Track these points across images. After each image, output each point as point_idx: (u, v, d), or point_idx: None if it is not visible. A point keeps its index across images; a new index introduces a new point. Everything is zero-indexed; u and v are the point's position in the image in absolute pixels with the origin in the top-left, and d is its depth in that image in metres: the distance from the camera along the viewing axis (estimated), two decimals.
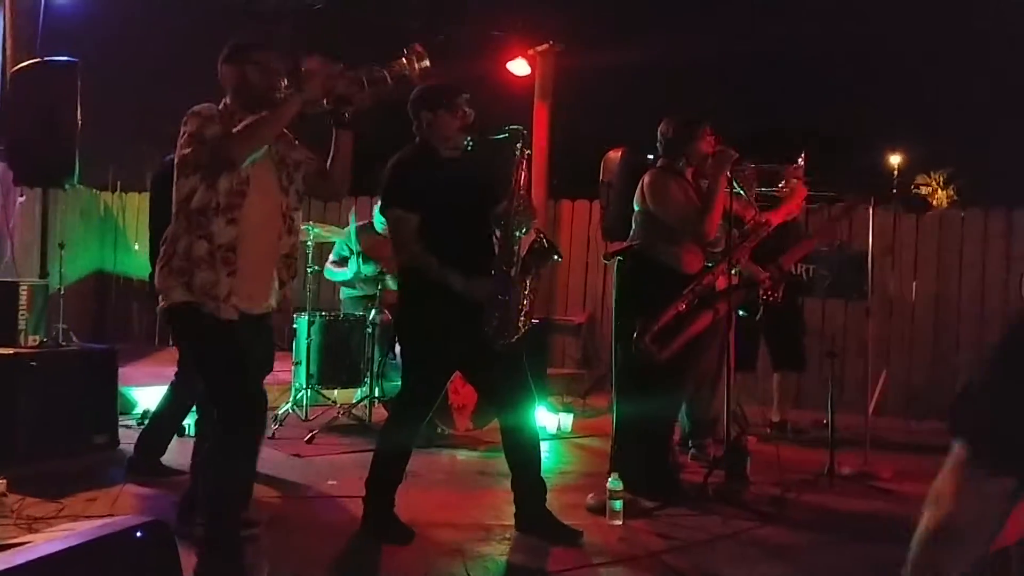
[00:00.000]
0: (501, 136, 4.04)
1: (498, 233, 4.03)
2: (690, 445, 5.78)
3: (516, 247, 4.00)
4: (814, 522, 4.64)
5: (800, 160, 5.51)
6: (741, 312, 5.04)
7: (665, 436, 5.16)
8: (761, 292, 6.24)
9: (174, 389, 5.07)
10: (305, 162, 3.72)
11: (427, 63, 3.55)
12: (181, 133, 3.48)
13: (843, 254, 6.96)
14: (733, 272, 5.03)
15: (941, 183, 32.72)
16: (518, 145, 4.03)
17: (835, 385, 5.64)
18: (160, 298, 3.52)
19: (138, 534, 2.35)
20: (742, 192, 5.22)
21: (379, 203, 4.20)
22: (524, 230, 4.02)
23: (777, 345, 7.00)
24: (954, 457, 2.00)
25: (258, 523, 4.07)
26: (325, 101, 3.53)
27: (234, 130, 3.38)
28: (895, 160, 33.39)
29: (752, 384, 7.16)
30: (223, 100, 3.61)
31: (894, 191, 6.16)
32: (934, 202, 30.46)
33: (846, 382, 7.93)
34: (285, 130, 3.60)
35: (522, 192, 4.03)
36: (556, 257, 4.30)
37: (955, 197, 30.13)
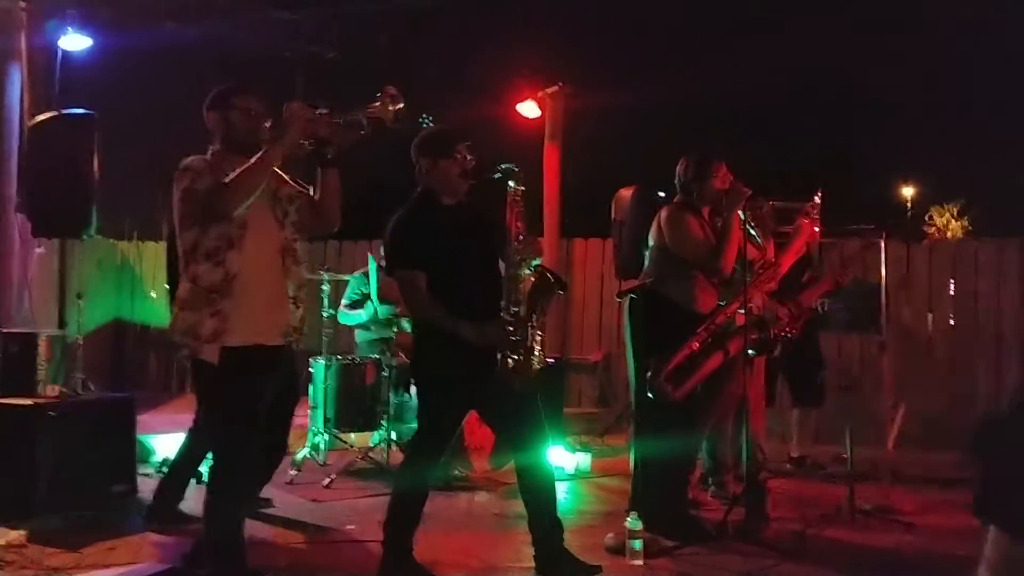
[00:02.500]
0: (495, 176, 4.09)
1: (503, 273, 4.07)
2: (710, 482, 5.74)
3: (520, 285, 4.03)
4: (834, 558, 4.59)
5: (816, 197, 5.52)
6: (751, 352, 5.01)
7: (685, 474, 5.14)
8: (779, 329, 6.24)
9: (192, 436, 5.09)
10: (298, 195, 3.83)
11: (401, 105, 3.64)
12: (175, 190, 3.62)
13: (858, 288, 6.94)
14: (742, 311, 5.01)
15: (955, 214, 32.66)
16: (510, 184, 4.07)
17: (853, 419, 5.61)
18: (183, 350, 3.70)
19: None
20: (753, 233, 5.21)
21: (384, 265, 4.26)
22: (527, 268, 4.05)
23: (795, 380, 6.97)
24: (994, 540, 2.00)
25: (271, 569, 4.07)
26: (307, 143, 3.64)
27: (225, 181, 3.49)
28: (908, 192, 33.42)
29: (771, 420, 7.13)
30: (210, 147, 3.75)
31: (895, 223, 6.12)
32: (948, 233, 30.41)
33: (864, 416, 7.86)
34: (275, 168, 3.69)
35: (519, 230, 4.07)
36: (561, 290, 4.31)
37: (969, 228, 30.06)
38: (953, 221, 32.72)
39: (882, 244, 5.71)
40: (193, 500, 5.07)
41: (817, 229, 5.57)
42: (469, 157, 4.17)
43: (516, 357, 3.96)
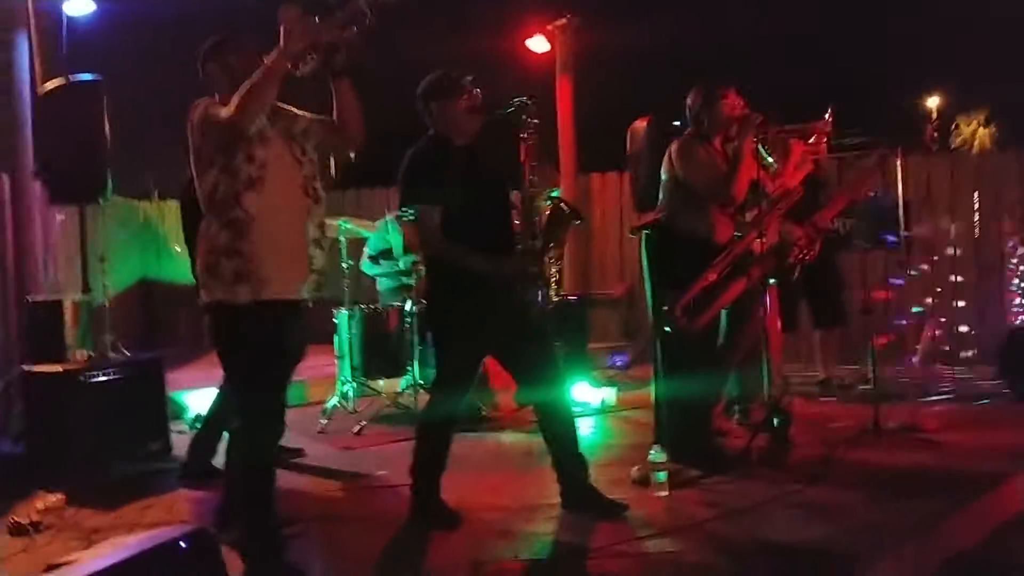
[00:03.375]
0: (507, 110, 4.06)
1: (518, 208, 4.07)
2: (735, 410, 5.77)
3: (536, 218, 4.03)
4: (860, 480, 4.61)
5: (827, 115, 5.45)
6: (772, 280, 5.00)
7: (710, 405, 5.16)
8: (796, 252, 6.21)
9: (224, 391, 5.15)
10: (312, 126, 3.71)
11: None
12: (188, 128, 3.53)
13: (876, 204, 6.86)
14: (761, 239, 4.98)
15: (982, 123, 32.05)
16: (523, 117, 4.04)
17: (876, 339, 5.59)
18: (201, 295, 3.58)
19: (181, 544, 2.41)
20: (768, 158, 5.17)
21: (398, 202, 4.21)
22: (542, 200, 4.05)
23: (817, 303, 6.95)
24: None
25: (302, 519, 4.14)
26: (314, 56, 3.47)
27: (234, 96, 3.37)
28: (933, 102, 32.81)
29: (795, 344, 7.13)
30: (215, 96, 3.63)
31: (911, 135, 5.99)
32: (975, 143, 29.85)
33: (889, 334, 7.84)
34: (283, 105, 3.60)
35: (533, 163, 4.05)
36: (578, 220, 4.30)
37: (995, 136, 29.52)
38: (981, 129, 32.13)
39: (897, 158, 5.58)
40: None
41: (821, 145, 5.52)
42: (476, 91, 4.14)
43: (533, 289, 3.98)
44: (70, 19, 7.12)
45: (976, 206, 8.49)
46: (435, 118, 4.18)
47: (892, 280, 6.67)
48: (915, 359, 7.96)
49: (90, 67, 5.99)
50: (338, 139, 3.76)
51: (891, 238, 6.32)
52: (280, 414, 3.66)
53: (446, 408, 4.22)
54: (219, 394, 5.18)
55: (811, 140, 5.37)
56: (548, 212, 4.14)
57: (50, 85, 6.00)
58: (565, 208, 4.20)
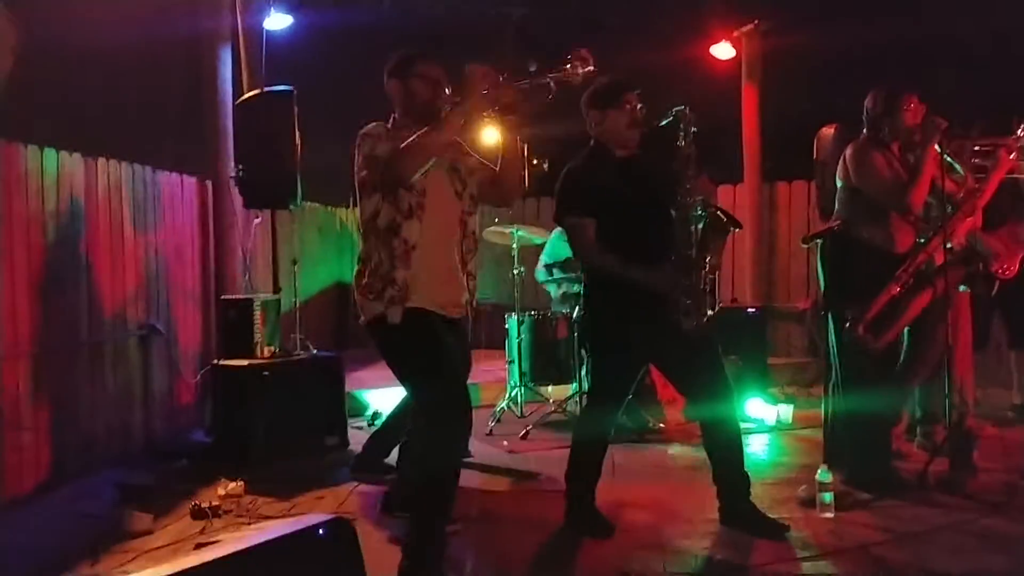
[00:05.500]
0: (666, 121, 4.01)
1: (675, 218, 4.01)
2: (917, 432, 5.47)
3: (693, 228, 3.96)
4: None
5: (1020, 131, 5.11)
6: (962, 288, 4.70)
7: (889, 427, 4.92)
8: (994, 266, 5.83)
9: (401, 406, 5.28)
10: (479, 168, 3.82)
11: (591, 68, 3.49)
12: (356, 156, 3.66)
13: None
14: (948, 247, 4.71)
15: None
16: (682, 126, 3.98)
17: None
18: (361, 315, 3.72)
19: (320, 532, 2.51)
20: (955, 165, 4.88)
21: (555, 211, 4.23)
22: (699, 210, 3.98)
23: (1014, 321, 6.49)
24: None
25: (461, 519, 4.22)
26: (491, 110, 3.56)
27: (401, 146, 3.48)
28: None
29: (994, 365, 6.68)
30: (391, 115, 3.78)
31: None
32: None
33: None
34: (457, 139, 3.67)
35: (690, 173, 3.98)
36: (735, 228, 4.20)
37: None
38: None
39: None
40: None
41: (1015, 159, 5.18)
42: (639, 106, 4.12)
43: (688, 300, 3.92)
44: (270, 33, 7.55)
45: None
46: (595, 126, 4.19)
47: None
48: None
49: (283, 80, 6.32)
50: (495, 191, 3.87)
51: None
52: (460, 409, 3.57)
53: (601, 418, 4.21)
54: (405, 397, 5.32)
55: (1006, 151, 5.04)
56: (706, 221, 4.05)
57: (245, 96, 6.37)
58: (722, 216, 4.10)
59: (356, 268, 3.74)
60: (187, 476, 5.34)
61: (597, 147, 4.19)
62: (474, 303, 3.89)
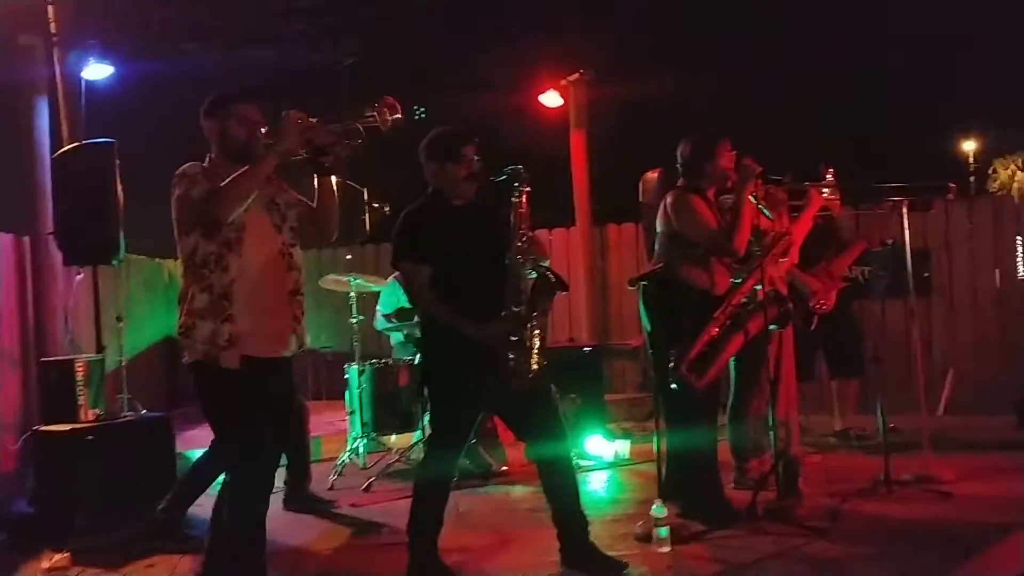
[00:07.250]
0: (501, 178, 4.09)
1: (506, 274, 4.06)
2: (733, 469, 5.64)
3: (522, 286, 4.03)
4: (868, 533, 4.53)
5: (829, 175, 5.45)
6: (772, 327, 4.93)
7: (712, 458, 5.08)
8: (812, 301, 6.16)
9: (213, 447, 5.13)
10: (296, 205, 3.85)
11: (399, 115, 3.65)
12: (172, 196, 3.63)
13: (893, 252, 6.78)
14: (759, 288, 4.93)
15: (1020, 166, 31.63)
16: (515, 185, 4.07)
17: (894, 388, 5.49)
18: (184, 355, 3.67)
19: None
20: (765, 211, 5.12)
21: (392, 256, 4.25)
22: (530, 268, 4.05)
23: (831, 352, 6.87)
24: None
25: None
26: (304, 152, 3.64)
27: (218, 187, 3.50)
28: (969, 146, 32.45)
29: (818, 394, 7.02)
30: (208, 155, 3.77)
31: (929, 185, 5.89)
32: (1015, 186, 29.42)
33: (911, 383, 7.71)
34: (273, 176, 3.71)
35: (523, 231, 4.06)
36: (562, 290, 4.29)
37: None
38: (1019, 172, 31.67)
39: (904, 210, 5.50)
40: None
41: (835, 200, 5.52)
42: (476, 159, 4.18)
43: (514, 357, 3.97)
44: (90, 84, 7.30)
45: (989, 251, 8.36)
46: (432, 176, 4.22)
47: None
48: (939, 409, 7.83)
49: (105, 132, 6.12)
50: (313, 228, 3.90)
51: None
52: (266, 470, 3.68)
53: (441, 466, 4.20)
54: (208, 449, 5.16)
55: (825, 192, 5.37)
56: (535, 281, 4.12)
57: (63, 149, 6.13)
58: (551, 277, 4.18)
59: (191, 307, 3.65)
60: (8, 549, 5.05)
61: (435, 194, 4.23)
62: (305, 339, 3.86)
